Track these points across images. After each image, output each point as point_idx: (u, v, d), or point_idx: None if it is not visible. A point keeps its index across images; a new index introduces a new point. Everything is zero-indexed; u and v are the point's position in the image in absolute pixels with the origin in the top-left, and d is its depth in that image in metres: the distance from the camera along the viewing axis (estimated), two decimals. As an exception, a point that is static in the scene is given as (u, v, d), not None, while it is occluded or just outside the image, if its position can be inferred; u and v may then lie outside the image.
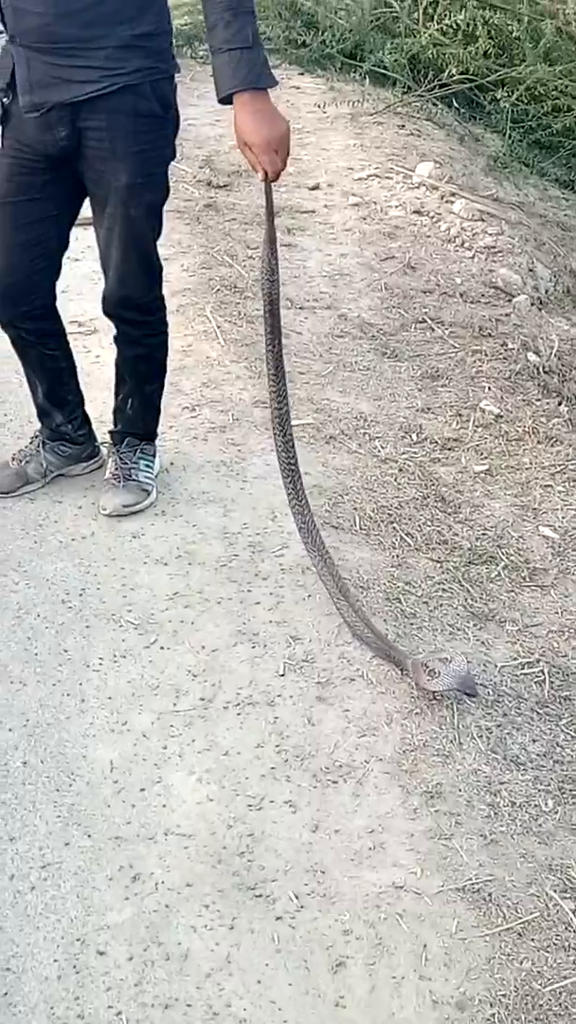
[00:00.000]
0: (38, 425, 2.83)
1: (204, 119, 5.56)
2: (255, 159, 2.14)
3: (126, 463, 2.75)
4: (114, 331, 2.67)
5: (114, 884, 1.81)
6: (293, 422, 3.06)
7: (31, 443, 2.83)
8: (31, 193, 2.40)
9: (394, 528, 2.67)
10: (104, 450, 2.87)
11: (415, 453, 2.99)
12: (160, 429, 2.95)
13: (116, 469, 2.75)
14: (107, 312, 2.61)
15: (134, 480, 2.74)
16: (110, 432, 2.83)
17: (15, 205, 2.42)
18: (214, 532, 2.64)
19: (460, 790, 1.98)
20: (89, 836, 1.89)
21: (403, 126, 5.51)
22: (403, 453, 2.98)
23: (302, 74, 6.16)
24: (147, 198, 2.38)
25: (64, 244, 2.54)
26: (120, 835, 1.89)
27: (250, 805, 1.95)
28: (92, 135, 2.30)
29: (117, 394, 2.77)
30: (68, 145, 2.32)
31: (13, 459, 2.80)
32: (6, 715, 2.13)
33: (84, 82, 2.23)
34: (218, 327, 3.56)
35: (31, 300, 2.55)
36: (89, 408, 2.90)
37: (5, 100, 2.32)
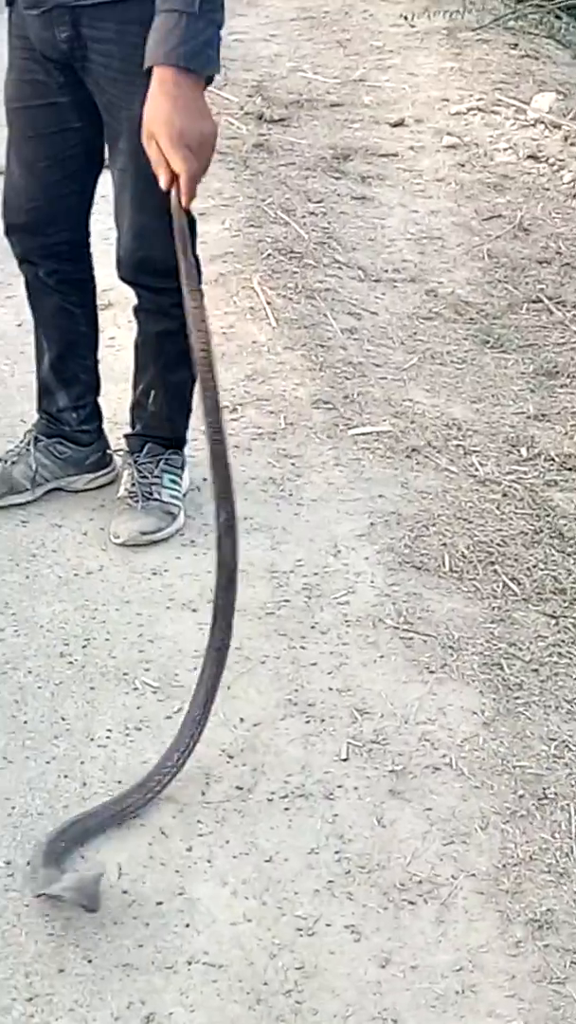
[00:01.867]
0: (34, 418, 2.90)
1: (256, 33, 5.68)
2: (158, 157, 2.08)
3: (146, 477, 2.80)
4: (135, 300, 2.75)
5: (121, 1025, 1.84)
6: (365, 428, 3.12)
7: (21, 440, 2.91)
8: (48, 96, 2.50)
9: (495, 571, 2.69)
10: (117, 460, 2.94)
11: (524, 473, 3.01)
12: (191, 434, 3.00)
13: (133, 485, 2.80)
14: (124, 277, 2.69)
15: (156, 500, 2.79)
16: (126, 436, 2.89)
17: (30, 111, 2.52)
18: (259, 570, 2.67)
19: (578, 919, 1.99)
20: (90, 962, 1.92)
21: (516, 45, 5.57)
22: (508, 473, 3.01)
23: (384, -24, 6.27)
24: None
25: (95, 166, 2.63)
26: (130, 962, 1.92)
27: (300, 929, 1.97)
28: (99, 48, 2.39)
29: (136, 386, 2.83)
30: (72, 53, 2.42)
31: (0, 460, 2.87)
32: (-15, 800, 2.17)
33: None
34: (268, 303, 3.62)
35: (54, 232, 2.65)
36: (102, 405, 2.97)
37: None
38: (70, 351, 2.81)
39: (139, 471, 2.80)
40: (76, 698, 2.37)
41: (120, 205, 2.57)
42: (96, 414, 2.89)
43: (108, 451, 2.92)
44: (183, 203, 2.11)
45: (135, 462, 2.82)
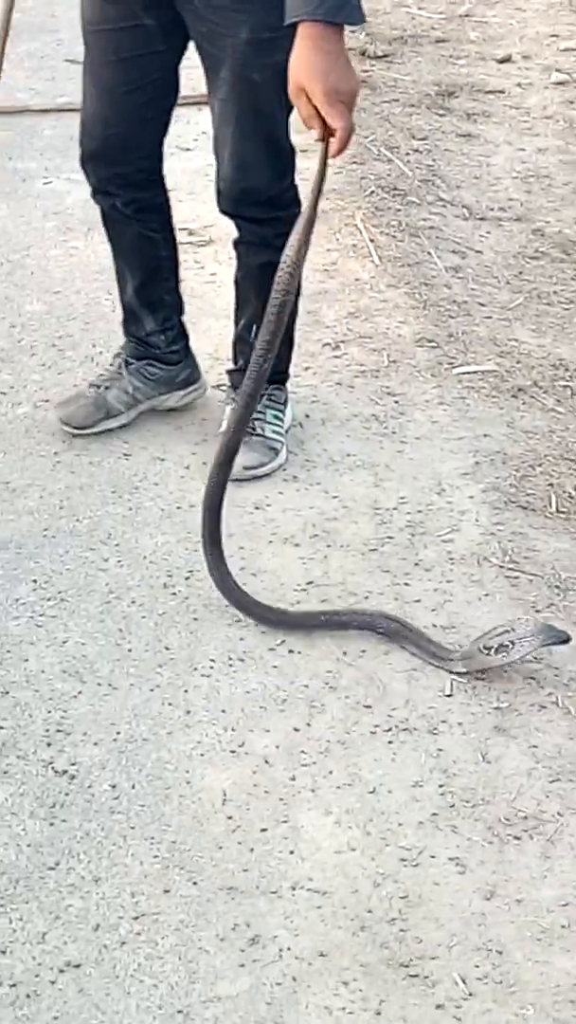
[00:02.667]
0: (121, 341, 2.92)
1: (358, -32, 5.60)
2: (310, 111, 2.09)
3: (253, 413, 2.80)
4: (235, 235, 2.74)
5: (226, 946, 1.87)
6: (470, 367, 3.10)
7: (112, 364, 2.95)
8: (133, 19, 2.48)
9: (603, 512, 2.67)
10: (205, 381, 2.96)
11: None
12: (294, 370, 3.01)
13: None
14: (224, 210, 2.69)
15: (259, 436, 2.81)
16: (228, 372, 2.91)
17: (114, 34, 2.50)
18: (362, 507, 2.68)
19: None
20: (195, 884, 1.96)
21: (630, -23, 5.45)
22: (617, 414, 2.98)
23: None
24: (276, 58, 2.25)
25: (174, 92, 2.63)
26: (235, 885, 1.95)
27: (404, 860, 1.99)
28: None
29: (237, 321, 2.85)
30: None
31: (91, 386, 2.92)
32: (91, 725, 2.21)
33: None
34: (371, 240, 3.60)
35: (134, 160, 2.66)
36: (203, 342, 3.00)
37: None
38: (153, 277, 2.85)
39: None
40: (179, 628, 2.40)
41: (221, 136, 2.56)
42: (183, 334, 2.93)
43: (197, 368, 2.96)
44: (333, 155, 2.13)
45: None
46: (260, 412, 2.81)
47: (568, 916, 1.90)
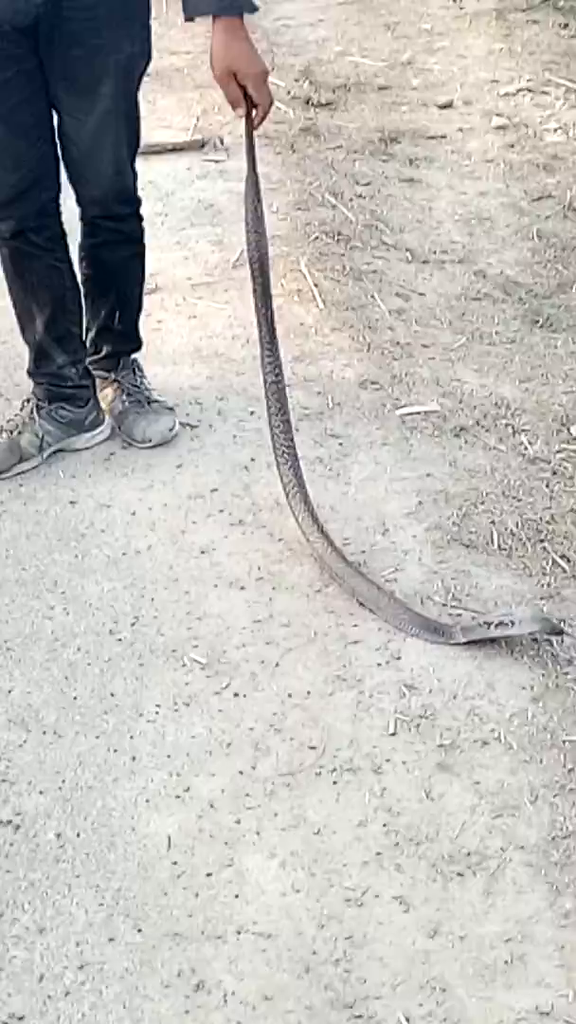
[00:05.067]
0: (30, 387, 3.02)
1: (303, 17, 5.69)
2: (237, 94, 2.45)
3: (138, 386, 3.05)
4: (93, 238, 2.93)
5: (171, 993, 1.86)
6: (413, 407, 3.13)
7: (22, 409, 3.02)
8: (22, 63, 2.62)
9: (544, 549, 2.69)
10: (110, 423, 3.07)
11: (574, 452, 3.01)
12: (239, 414, 3.04)
13: (128, 396, 3.02)
14: (98, 215, 2.89)
15: (156, 402, 3.04)
16: (96, 362, 3.07)
17: (9, 83, 2.62)
18: (306, 548, 2.69)
19: (628, 892, 1.99)
20: (140, 931, 1.95)
21: (566, 25, 5.55)
22: (558, 451, 3.01)
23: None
24: (143, 67, 2.73)
25: (54, 127, 2.77)
26: (179, 931, 1.95)
27: (348, 900, 1.99)
28: (77, 3, 2.54)
29: (96, 316, 3.03)
30: (46, 15, 2.54)
31: (2, 432, 2.97)
32: (36, 774, 2.21)
33: None
34: (315, 285, 3.64)
35: (45, 189, 2.78)
36: (158, 382, 3.09)
37: None
38: (61, 309, 2.93)
39: (128, 384, 3.05)
40: (125, 675, 2.40)
41: (97, 148, 2.73)
42: (88, 371, 3.03)
43: (102, 411, 3.05)
44: (257, 126, 2.54)
45: (120, 380, 3.05)
46: (140, 381, 3.06)
47: (511, 951, 1.91)
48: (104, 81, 2.63)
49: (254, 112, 2.51)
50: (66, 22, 2.57)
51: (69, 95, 2.67)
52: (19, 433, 2.95)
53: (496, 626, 2.41)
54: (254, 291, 2.65)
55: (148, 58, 2.73)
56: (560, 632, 2.42)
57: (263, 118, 2.53)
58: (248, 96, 2.47)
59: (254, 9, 2.49)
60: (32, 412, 2.97)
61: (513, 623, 2.41)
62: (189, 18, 2.51)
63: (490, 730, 2.27)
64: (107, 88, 2.64)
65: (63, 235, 2.88)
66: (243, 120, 2.52)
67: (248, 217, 2.59)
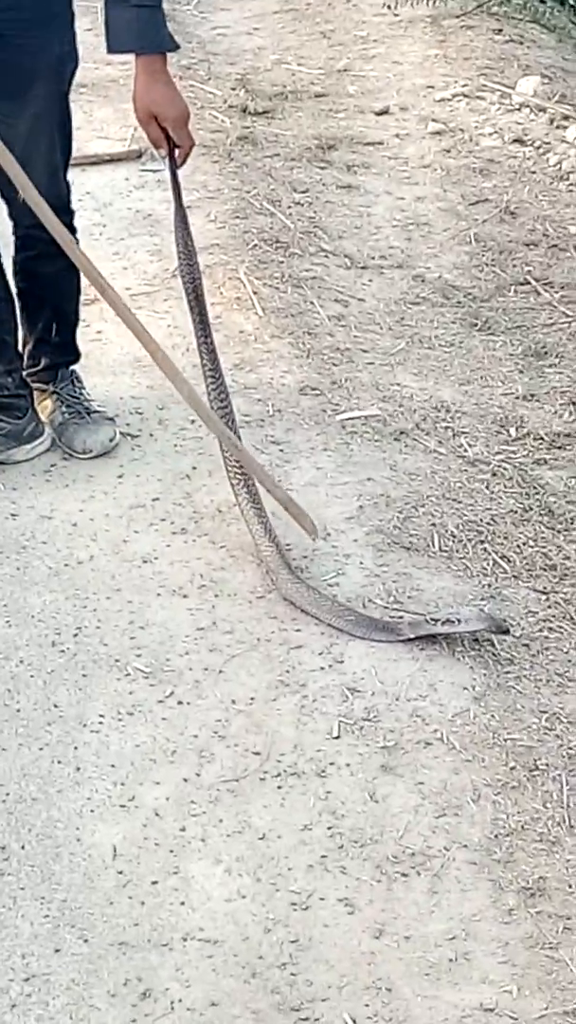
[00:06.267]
0: None
1: (239, 27, 5.70)
2: (158, 134, 2.53)
3: (77, 397, 3.04)
4: (27, 251, 2.91)
5: (118, 1002, 1.87)
6: (353, 412, 3.15)
7: None
8: None
9: (485, 549, 2.72)
10: (50, 434, 3.05)
11: (514, 453, 3.04)
12: (180, 423, 3.04)
13: (68, 407, 3.01)
14: (32, 225, 2.76)
15: (96, 412, 3.04)
16: (34, 374, 3.06)
17: None
18: (248, 555, 2.70)
19: (570, 886, 2.01)
20: (86, 941, 1.95)
21: (500, 31, 5.60)
22: (498, 453, 3.03)
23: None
24: (71, 67, 2.72)
25: None
26: (126, 940, 1.95)
27: (294, 904, 2.00)
28: (4, 3, 2.54)
29: (33, 328, 3.03)
30: None
31: None
32: (-20, 787, 2.20)
33: None
34: (254, 293, 3.65)
35: None
36: (98, 393, 3.10)
37: None
38: None
39: (68, 396, 3.03)
40: (68, 685, 2.40)
41: (31, 153, 2.67)
42: (24, 381, 3.03)
43: (40, 422, 3.04)
44: (180, 165, 2.61)
45: (58, 391, 3.04)
46: (80, 394, 3.05)
47: (455, 949, 1.92)
48: (35, 83, 2.63)
49: (176, 152, 2.58)
50: None
51: (0, 100, 2.65)
52: None
53: (443, 623, 2.45)
54: (193, 321, 2.74)
55: (76, 62, 2.73)
56: (506, 631, 2.46)
57: (184, 159, 2.61)
58: (170, 137, 2.55)
59: (175, 47, 2.56)
60: None
61: (460, 620, 2.44)
62: (112, 51, 2.53)
63: (433, 731, 2.29)
64: (39, 90, 2.64)
65: None
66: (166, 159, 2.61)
67: (179, 250, 2.68)
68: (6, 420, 2.97)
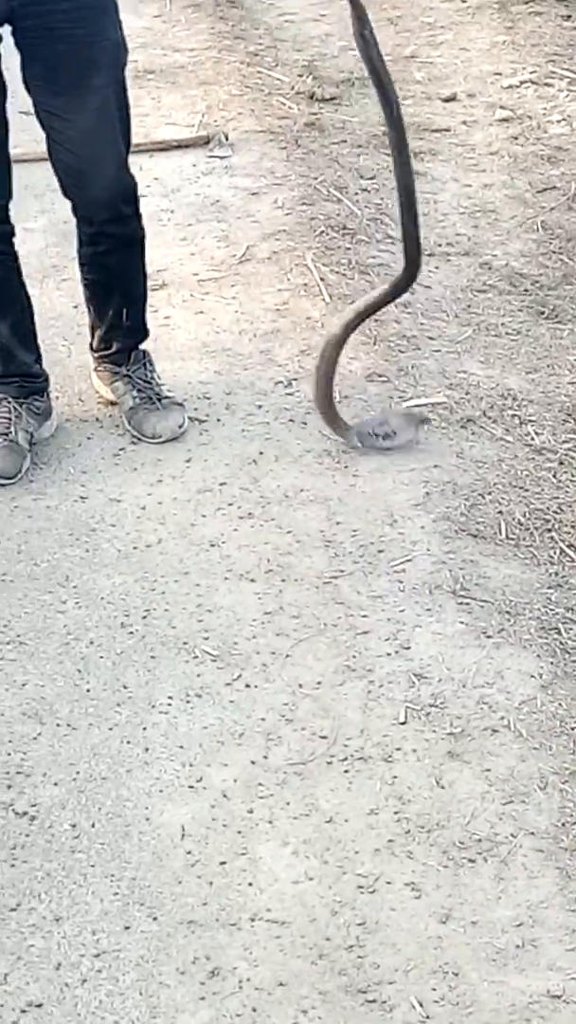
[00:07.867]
0: None
1: (306, 13, 5.68)
2: None
3: (148, 382, 3.05)
4: (96, 247, 2.91)
5: (186, 980, 1.89)
6: (420, 400, 3.14)
7: (2, 409, 2.97)
8: None
9: (552, 538, 2.71)
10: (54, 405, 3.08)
11: (581, 441, 3.03)
12: (247, 409, 3.05)
13: (139, 392, 3.02)
14: (105, 220, 2.84)
15: (166, 398, 3.04)
16: (103, 358, 3.07)
17: None
18: (315, 540, 2.71)
19: None
20: (155, 919, 1.97)
21: (569, 16, 5.54)
22: (565, 442, 3.02)
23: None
24: (126, 56, 2.69)
25: (8, 135, 2.75)
26: (194, 919, 1.97)
27: (361, 887, 2.01)
28: None
29: (104, 316, 3.03)
30: (23, 10, 2.51)
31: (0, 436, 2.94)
32: (51, 766, 2.23)
33: None
34: (322, 279, 3.64)
35: (5, 194, 2.77)
36: (166, 378, 3.14)
37: None
38: (21, 309, 2.96)
39: (139, 380, 3.04)
40: (137, 667, 2.42)
41: (97, 146, 2.68)
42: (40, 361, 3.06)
43: (51, 400, 3.08)
44: None
45: (130, 375, 3.04)
46: (152, 378, 3.04)
47: (522, 936, 1.92)
48: (96, 73, 2.60)
49: None
50: (47, 15, 2.53)
51: (56, 97, 2.63)
52: (14, 434, 2.93)
53: (383, 438, 2.69)
54: (396, 147, 2.77)
55: (127, 48, 2.71)
56: (426, 420, 2.84)
57: None
58: None
59: None
60: (11, 412, 2.95)
61: (395, 433, 2.75)
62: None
63: (499, 718, 2.29)
64: (100, 80, 2.61)
65: (12, 233, 2.87)
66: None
67: (390, 105, 2.68)
68: (41, 400, 3.01)
